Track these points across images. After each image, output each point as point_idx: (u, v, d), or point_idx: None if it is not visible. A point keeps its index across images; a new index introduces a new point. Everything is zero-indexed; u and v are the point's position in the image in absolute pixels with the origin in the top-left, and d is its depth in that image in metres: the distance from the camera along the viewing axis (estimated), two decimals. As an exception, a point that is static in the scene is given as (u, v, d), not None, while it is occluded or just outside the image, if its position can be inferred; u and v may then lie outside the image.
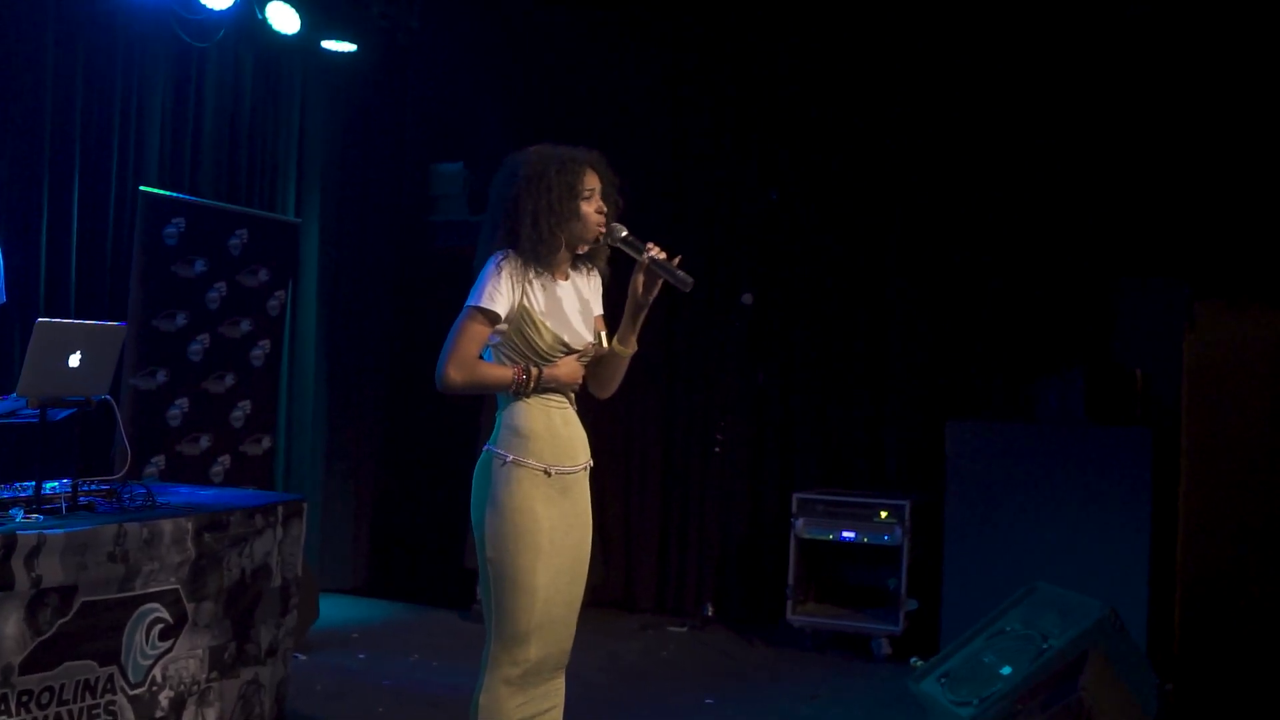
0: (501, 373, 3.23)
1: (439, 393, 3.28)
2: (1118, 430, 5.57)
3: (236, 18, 6.38)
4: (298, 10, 6.54)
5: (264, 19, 6.45)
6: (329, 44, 6.98)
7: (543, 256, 3.24)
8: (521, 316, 3.21)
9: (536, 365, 3.23)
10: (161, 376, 5.89)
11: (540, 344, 3.23)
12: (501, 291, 3.18)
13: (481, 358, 3.25)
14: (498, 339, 3.24)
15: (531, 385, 3.22)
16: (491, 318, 3.19)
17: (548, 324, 3.24)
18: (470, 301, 3.20)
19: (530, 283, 3.23)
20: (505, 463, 3.21)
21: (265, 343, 6.45)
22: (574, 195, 3.25)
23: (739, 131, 7.13)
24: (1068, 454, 5.62)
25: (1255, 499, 5.33)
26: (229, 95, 6.70)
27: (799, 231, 7.00)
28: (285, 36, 6.60)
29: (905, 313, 6.75)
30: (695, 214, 7.18)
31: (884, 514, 6.20)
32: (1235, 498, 5.35)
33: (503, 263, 3.21)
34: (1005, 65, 6.48)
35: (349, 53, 7.07)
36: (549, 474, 3.23)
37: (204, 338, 6.09)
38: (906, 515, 6.15)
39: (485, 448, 3.28)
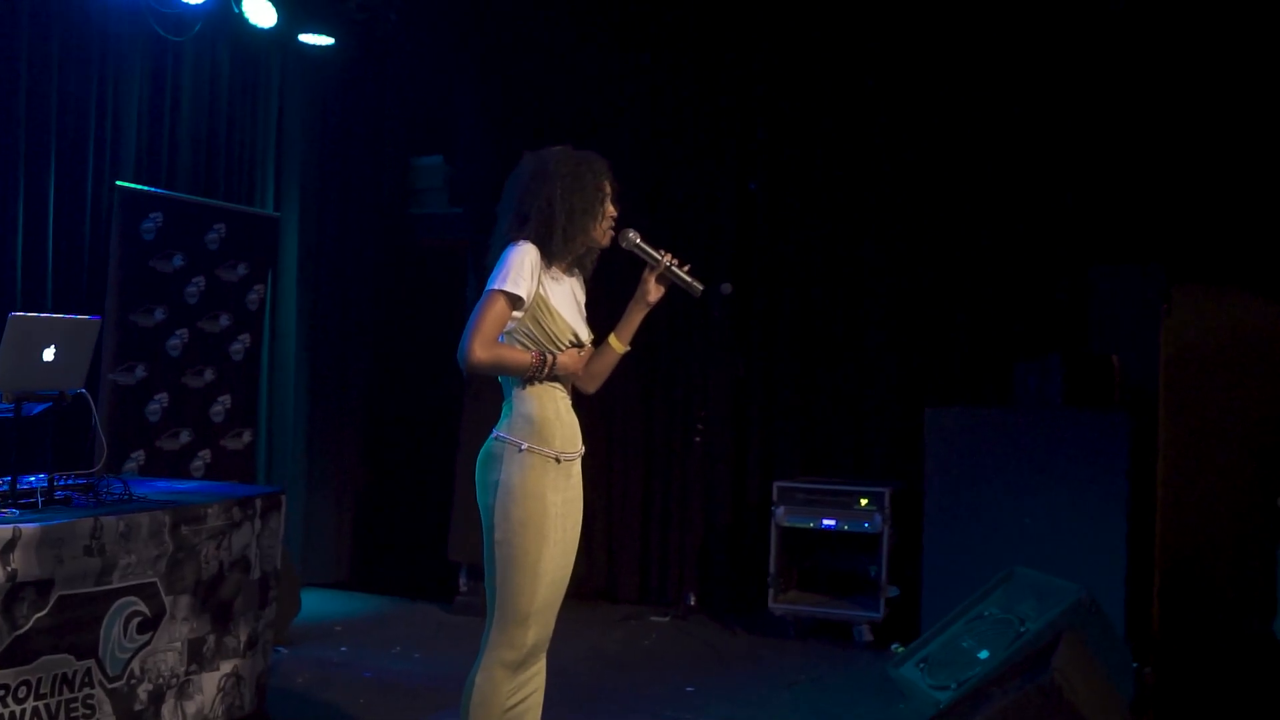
0: (522, 356, 3.31)
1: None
2: (1095, 415, 5.55)
3: (213, 11, 6.37)
4: (275, 4, 6.53)
5: (241, 13, 6.44)
6: (306, 37, 6.99)
7: (564, 252, 3.36)
8: (538, 305, 3.31)
9: (550, 353, 3.32)
10: (141, 371, 5.88)
11: (556, 332, 3.33)
12: (525, 278, 3.27)
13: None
14: (511, 325, 3.32)
15: (546, 371, 3.32)
16: (515, 301, 3.27)
17: (562, 314, 3.34)
18: (494, 285, 3.26)
19: (544, 275, 3.33)
20: (520, 450, 3.30)
21: (245, 337, 6.45)
22: (602, 197, 3.39)
23: (717, 122, 7.13)
24: (1046, 439, 5.60)
25: (1232, 482, 5.37)
26: (206, 89, 6.68)
27: (778, 221, 7.01)
28: (262, 30, 6.59)
29: (884, 301, 6.77)
30: (674, 204, 7.18)
31: (864, 501, 6.22)
32: (1212, 481, 5.38)
33: (525, 251, 3.29)
34: (981, 55, 6.50)
35: (327, 46, 7.08)
36: (559, 461, 3.35)
37: (183, 332, 6.09)
38: (886, 502, 6.17)
39: (494, 434, 3.36)
